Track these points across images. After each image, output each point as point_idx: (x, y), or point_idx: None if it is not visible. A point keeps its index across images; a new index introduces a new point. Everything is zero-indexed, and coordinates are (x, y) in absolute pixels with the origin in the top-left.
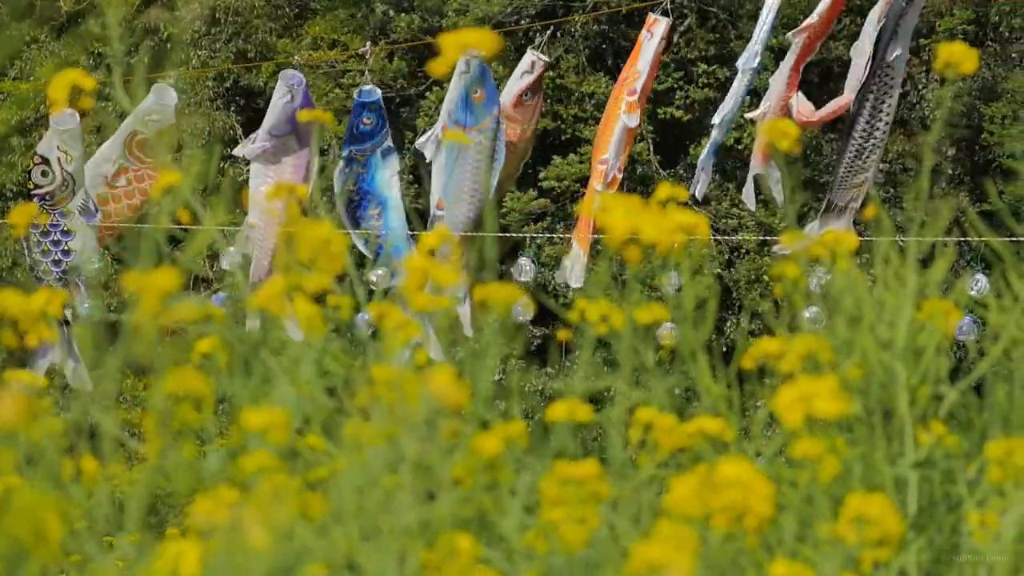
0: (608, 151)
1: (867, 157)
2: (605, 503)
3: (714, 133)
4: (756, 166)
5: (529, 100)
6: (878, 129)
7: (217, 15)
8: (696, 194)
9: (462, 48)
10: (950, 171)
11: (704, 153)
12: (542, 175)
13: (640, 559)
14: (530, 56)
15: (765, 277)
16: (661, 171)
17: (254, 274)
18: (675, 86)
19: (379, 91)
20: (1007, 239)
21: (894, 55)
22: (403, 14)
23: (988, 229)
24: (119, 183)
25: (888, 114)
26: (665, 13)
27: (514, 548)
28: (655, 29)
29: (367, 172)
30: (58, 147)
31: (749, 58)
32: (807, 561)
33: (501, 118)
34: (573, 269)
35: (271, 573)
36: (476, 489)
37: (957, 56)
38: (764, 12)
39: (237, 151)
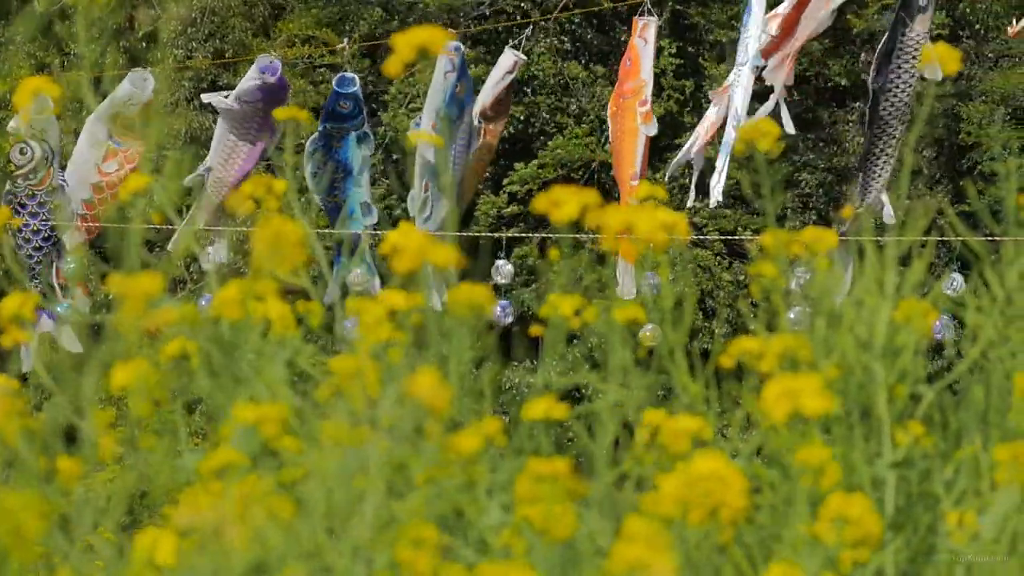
0: (635, 166)
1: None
2: (581, 501)
3: (728, 132)
4: (694, 155)
5: (504, 97)
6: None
7: (194, 15)
8: (717, 196)
9: (414, 47)
10: (927, 171)
11: (721, 154)
12: (510, 178)
13: (620, 559)
14: (511, 56)
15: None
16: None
17: (206, 210)
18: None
19: (358, 83)
20: (985, 238)
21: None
22: (377, 8)
23: (967, 229)
24: (110, 168)
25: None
26: (648, 12)
27: (489, 546)
28: (647, 34)
29: (342, 147)
30: (31, 126)
31: (742, 52)
32: (785, 562)
33: (474, 108)
34: (624, 283)
35: (245, 572)
36: (448, 487)
37: (941, 56)
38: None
39: (205, 97)
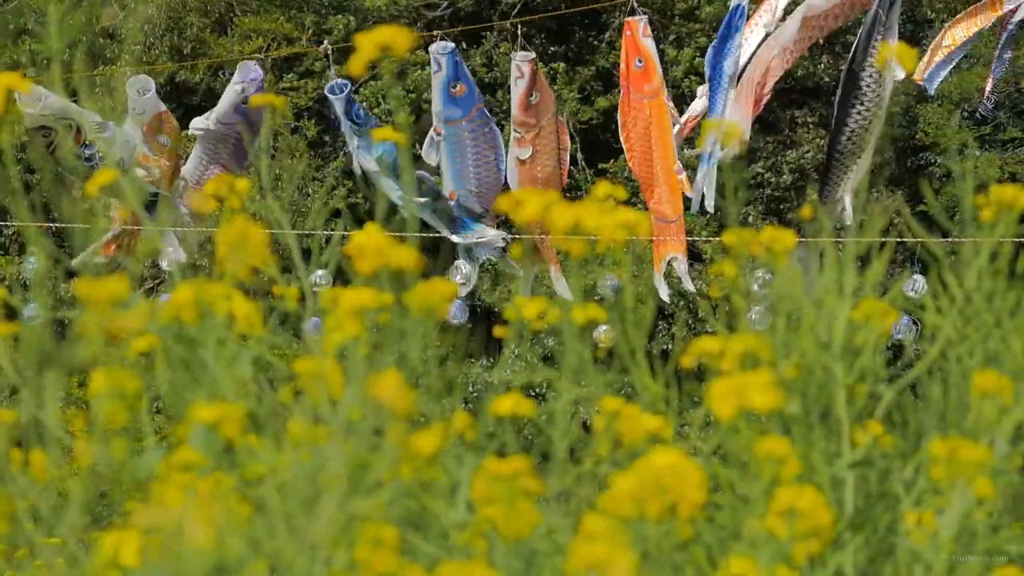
0: (674, 158)
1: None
2: (541, 500)
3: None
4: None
5: (536, 99)
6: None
7: (151, 11)
8: (708, 206)
9: (377, 46)
10: (886, 173)
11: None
12: None
13: (579, 557)
14: (515, 62)
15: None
16: (587, 170)
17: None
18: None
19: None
20: (943, 240)
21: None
22: (339, 15)
23: (924, 230)
24: (140, 174)
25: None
26: (632, 12)
27: (450, 545)
28: (649, 32)
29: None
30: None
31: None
32: (740, 556)
33: (484, 108)
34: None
35: (204, 573)
36: (409, 486)
37: (899, 55)
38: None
39: (193, 125)
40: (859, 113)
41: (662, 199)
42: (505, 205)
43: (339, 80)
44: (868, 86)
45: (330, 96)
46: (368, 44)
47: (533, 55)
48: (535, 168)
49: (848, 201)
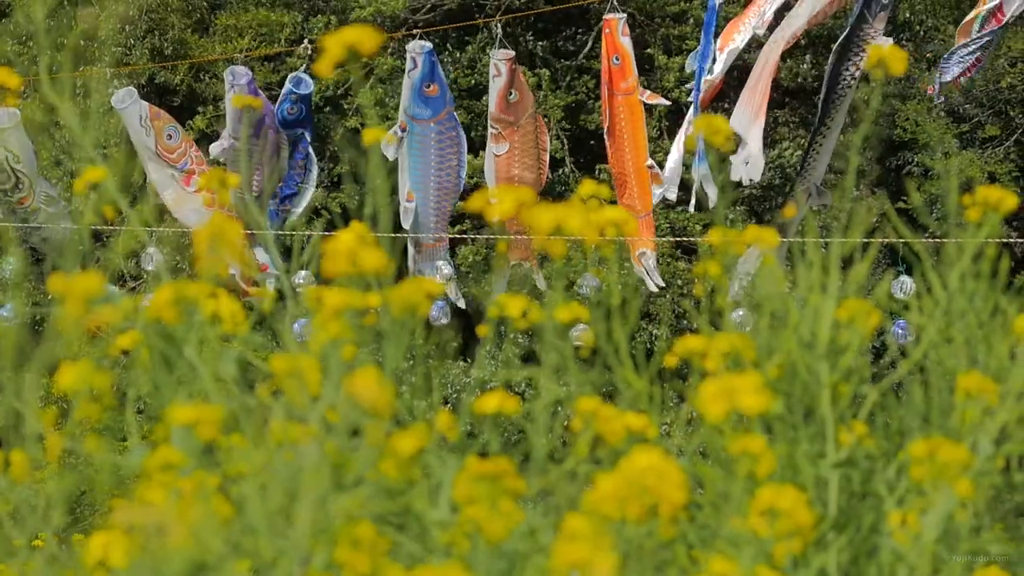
0: (647, 153)
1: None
2: (524, 500)
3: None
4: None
5: (514, 98)
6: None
7: (131, 12)
8: (711, 203)
9: (345, 47)
10: (869, 172)
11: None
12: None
13: (561, 558)
14: (493, 60)
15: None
16: (576, 172)
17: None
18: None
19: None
20: (927, 239)
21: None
22: (319, 15)
23: (908, 230)
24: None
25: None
26: (614, 9)
27: (433, 545)
28: (626, 30)
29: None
30: (3, 147)
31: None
32: (722, 555)
33: (454, 112)
34: (652, 274)
35: (188, 571)
36: (390, 485)
37: (888, 56)
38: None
39: (211, 152)
40: (838, 111)
41: (633, 194)
42: (479, 202)
43: (304, 78)
44: (849, 86)
45: (290, 85)
46: (335, 45)
47: (512, 54)
48: (511, 164)
49: (816, 188)
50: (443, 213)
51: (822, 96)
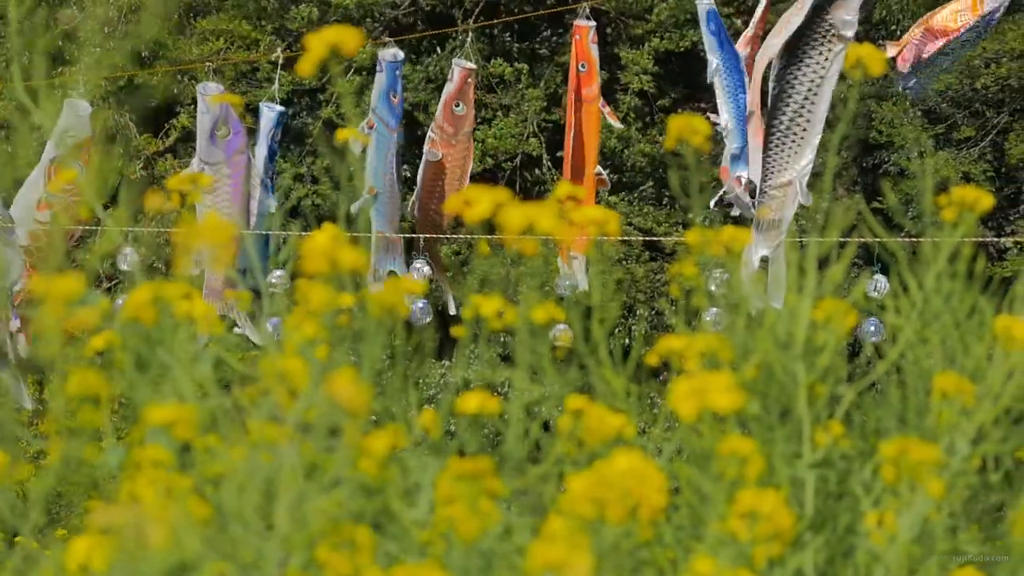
0: (596, 163)
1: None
2: (502, 500)
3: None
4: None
5: (460, 111)
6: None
7: (111, 14)
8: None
9: (327, 46)
10: (846, 173)
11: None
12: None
13: (537, 559)
14: (453, 63)
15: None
16: (553, 169)
17: (207, 294)
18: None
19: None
20: (903, 239)
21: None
22: (301, 5)
23: (884, 230)
24: (44, 218)
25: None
26: (587, 16)
27: (411, 545)
28: (595, 38)
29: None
30: None
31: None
32: (701, 558)
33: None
34: (578, 275)
35: (166, 573)
36: (368, 485)
37: (866, 57)
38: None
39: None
40: (794, 100)
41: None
42: (454, 205)
43: (277, 108)
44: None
45: (263, 107)
46: (318, 44)
47: (472, 66)
48: (440, 174)
49: (801, 186)
50: (392, 216)
51: (771, 96)
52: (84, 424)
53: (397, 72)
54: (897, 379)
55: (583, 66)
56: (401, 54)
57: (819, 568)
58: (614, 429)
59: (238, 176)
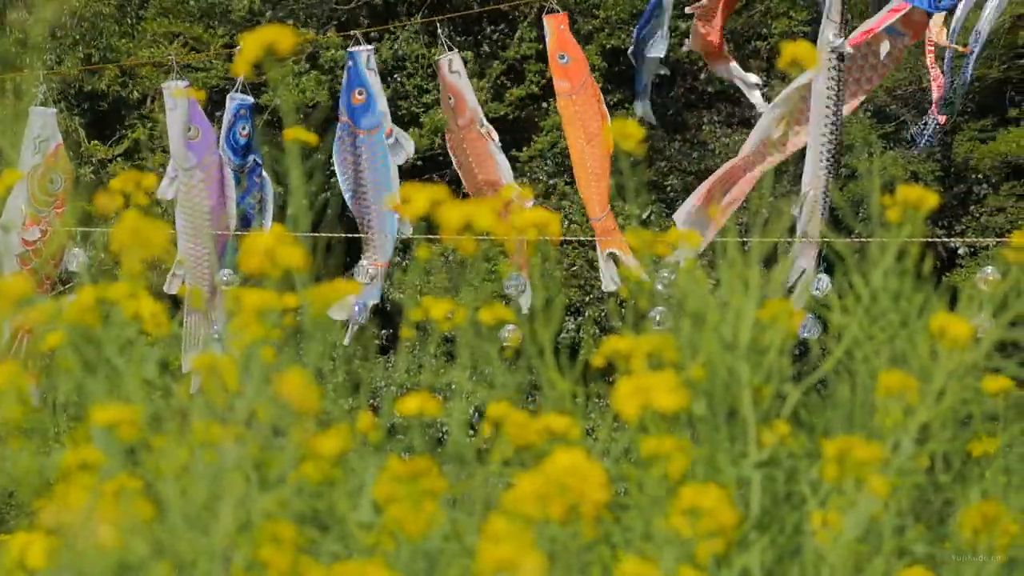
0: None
1: None
2: (445, 499)
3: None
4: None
5: (452, 103)
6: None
7: (64, 19)
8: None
9: (261, 45)
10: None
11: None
12: None
13: (487, 559)
14: (440, 62)
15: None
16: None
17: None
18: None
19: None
20: (850, 239)
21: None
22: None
23: (832, 230)
24: (34, 236)
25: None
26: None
27: (356, 545)
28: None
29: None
30: None
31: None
32: (645, 556)
33: (389, 125)
34: (612, 276)
35: (110, 572)
36: (313, 485)
37: (800, 54)
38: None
39: (158, 194)
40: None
41: (591, 197)
42: (391, 202)
43: (242, 98)
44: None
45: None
46: (252, 44)
47: (448, 55)
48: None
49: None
50: (363, 213)
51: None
52: (8, 422)
53: (358, 64)
54: (845, 378)
55: (562, 57)
56: (366, 50)
57: (766, 568)
58: (555, 431)
59: (212, 178)
